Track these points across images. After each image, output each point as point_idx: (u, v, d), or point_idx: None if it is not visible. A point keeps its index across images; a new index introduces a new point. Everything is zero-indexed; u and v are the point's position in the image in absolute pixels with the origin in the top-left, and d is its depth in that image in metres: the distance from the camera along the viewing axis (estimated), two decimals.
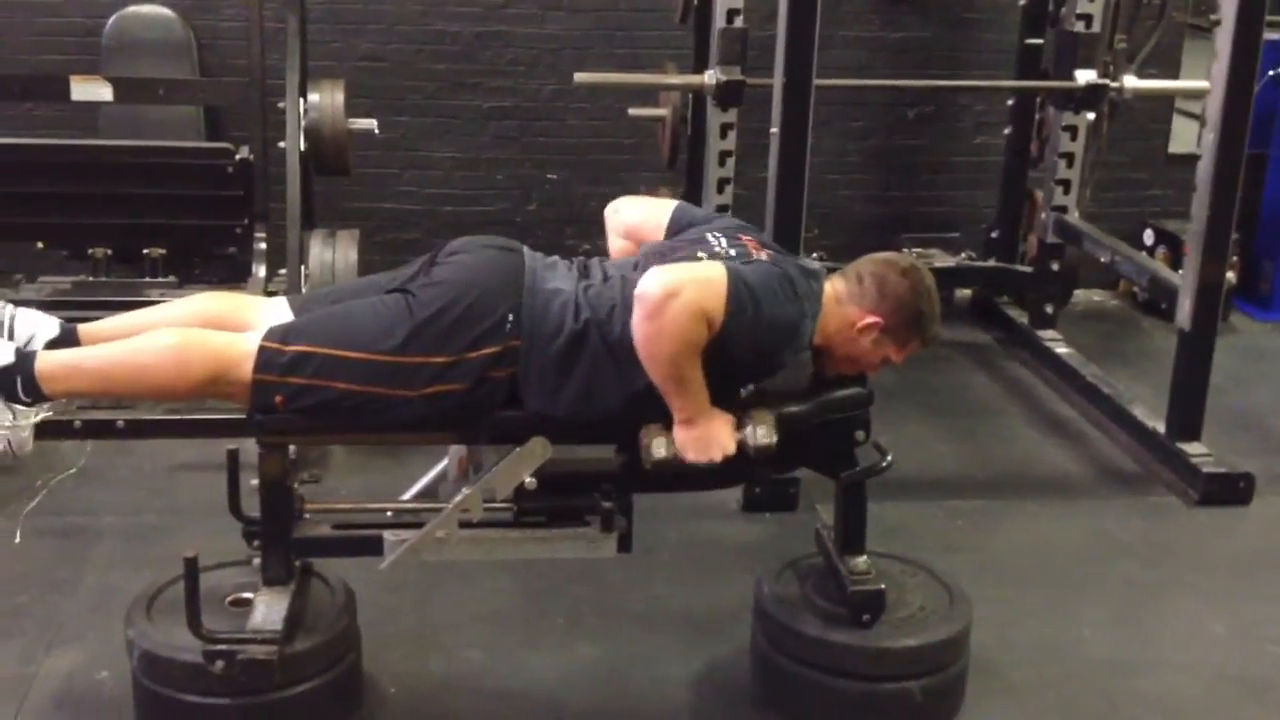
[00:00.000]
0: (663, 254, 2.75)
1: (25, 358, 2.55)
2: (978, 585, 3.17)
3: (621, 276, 2.72)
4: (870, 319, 2.74)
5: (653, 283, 2.50)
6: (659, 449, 2.64)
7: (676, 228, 2.90)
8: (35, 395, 2.56)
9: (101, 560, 3.55)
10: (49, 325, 2.69)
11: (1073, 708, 3.08)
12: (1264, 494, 4.10)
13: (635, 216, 3.00)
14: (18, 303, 2.74)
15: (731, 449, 2.64)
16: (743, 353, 2.61)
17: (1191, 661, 3.26)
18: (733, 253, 2.70)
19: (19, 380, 2.53)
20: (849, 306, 2.76)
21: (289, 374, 2.57)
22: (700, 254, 2.69)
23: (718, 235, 2.78)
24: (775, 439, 2.65)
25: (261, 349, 2.58)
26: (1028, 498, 4.14)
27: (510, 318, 2.60)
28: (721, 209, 4.65)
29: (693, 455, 2.63)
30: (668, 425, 2.65)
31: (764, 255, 2.71)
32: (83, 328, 2.73)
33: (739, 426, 2.66)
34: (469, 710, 3.00)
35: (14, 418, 2.57)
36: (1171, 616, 3.49)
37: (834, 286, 2.78)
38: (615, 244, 3.00)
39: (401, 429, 2.66)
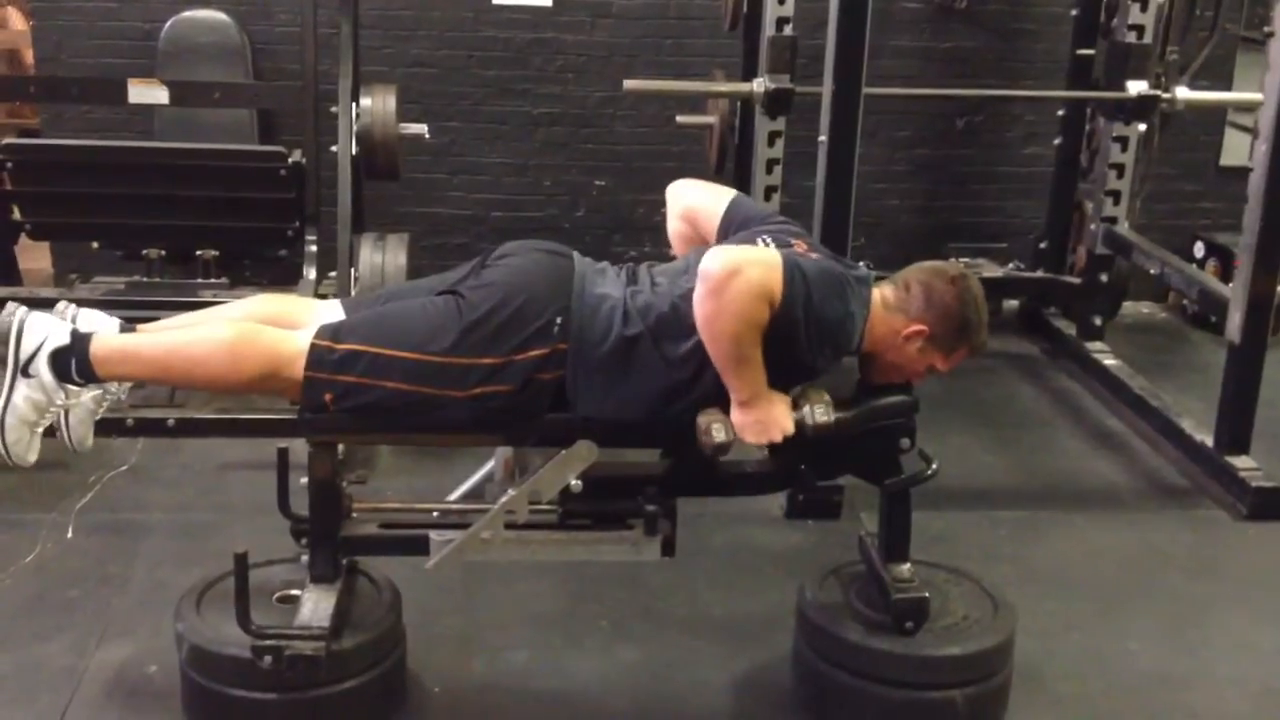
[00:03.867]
0: None
1: (81, 339, 2.58)
2: (1022, 596, 3.15)
3: (669, 283, 2.73)
4: (916, 327, 2.74)
5: (715, 261, 2.51)
6: (718, 434, 2.62)
7: (730, 223, 2.90)
8: (88, 377, 2.59)
9: (152, 556, 3.59)
10: (109, 325, 2.72)
11: None
12: None
13: (695, 200, 3.02)
14: (77, 303, 2.77)
15: (790, 429, 2.64)
16: (792, 343, 2.61)
17: (1238, 676, 3.23)
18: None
19: (74, 361, 2.57)
20: (896, 314, 2.75)
21: (339, 372, 2.60)
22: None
23: (767, 240, 2.79)
24: (833, 417, 2.65)
25: (313, 346, 2.60)
26: (1074, 509, 4.12)
27: (558, 321, 2.61)
28: None
29: (751, 437, 2.63)
30: (723, 410, 2.64)
31: (815, 257, 2.72)
32: (140, 328, 2.76)
33: (795, 407, 2.66)
34: (511, 711, 3.01)
35: (66, 397, 2.60)
36: (1218, 630, 3.46)
37: (881, 294, 2.78)
38: (674, 225, 3.04)
39: (449, 429, 2.68)
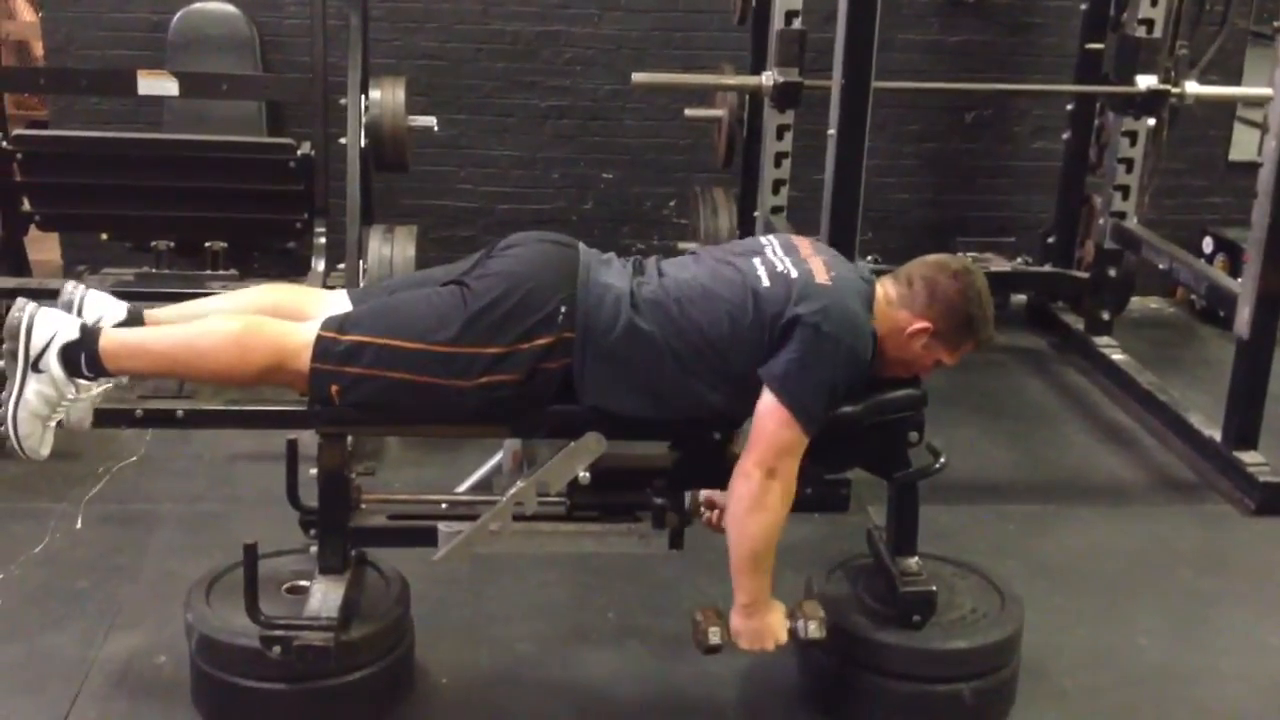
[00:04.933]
0: (718, 259, 2.78)
1: (90, 333, 2.60)
2: (1030, 590, 3.16)
3: (675, 277, 2.73)
4: (920, 324, 2.73)
5: (750, 468, 2.61)
6: (714, 636, 2.73)
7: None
8: (98, 371, 2.60)
9: (161, 546, 3.60)
10: (116, 308, 2.73)
11: (1125, 715, 3.07)
12: None
13: None
14: (85, 285, 2.78)
15: (783, 640, 2.75)
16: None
17: (1246, 670, 3.23)
18: (793, 272, 2.67)
19: (83, 355, 2.58)
20: (900, 311, 2.75)
21: (345, 363, 2.60)
22: (759, 268, 2.69)
23: (774, 242, 2.79)
24: (824, 634, 2.75)
25: (319, 338, 2.61)
26: (1081, 504, 4.12)
27: (563, 310, 2.61)
28: (776, 210, 4.67)
29: (745, 644, 2.74)
30: (718, 613, 2.75)
31: (824, 274, 2.67)
32: (149, 313, 2.77)
33: (790, 617, 2.76)
34: (519, 703, 3.02)
35: (76, 391, 2.61)
36: (1226, 625, 3.46)
37: (885, 290, 2.77)
38: None
39: (456, 420, 2.68)
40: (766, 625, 2.72)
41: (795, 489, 2.65)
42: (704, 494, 3.00)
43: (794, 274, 2.67)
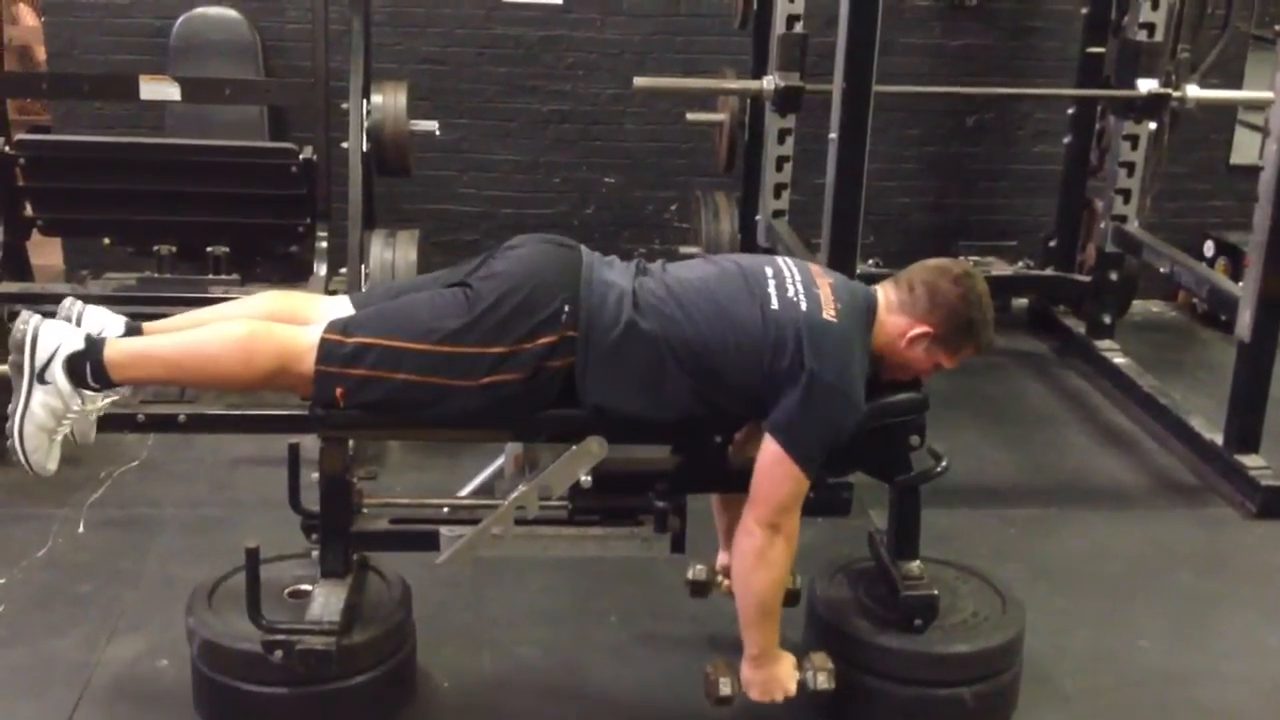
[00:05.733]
0: (727, 268, 2.77)
1: (95, 344, 2.60)
2: (1031, 593, 3.17)
3: (680, 277, 2.74)
4: (921, 329, 2.74)
5: (754, 523, 2.65)
6: (725, 688, 2.78)
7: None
8: (103, 381, 2.60)
9: (163, 551, 3.61)
10: (115, 323, 2.72)
11: (1126, 717, 3.07)
12: None
13: None
14: (84, 299, 2.78)
15: (793, 692, 2.78)
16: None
17: (1248, 673, 3.23)
18: (803, 303, 2.65)
19: (89, 366, 2.58)
20: (900, 315, 2.75)
21: (350, 365, 2.60)
22: (770, 285, 2.69)
23: (788, 262, 2.79)
24: (833, 685, 2.77)
25: (323, 341, 2.61)
26: (1083, 507, 4.12)
27: (566, 309, 2.62)
28: (778, 214, 4.68)
29: (756, 695, 2.78)
30: (729, 664, 2.79)
31: (832, 309, 2.67)
32: (148, 326, 2.77)
33: (799, 668, 2.79)
34: (521, 706, 3.02)
35: (82, 402, 2.62)
36: (1228, 628, 3.46)
37: (885, 294, 2.78)
38: None
39: (460, 421, 2.68)
40: (775, 676, 2.77)
41: (797, 542, 2.70)
42: (721, 562, 3.12)
43: (803, 304, 2.66)
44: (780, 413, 2.62)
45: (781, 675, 2.77)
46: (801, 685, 2.78)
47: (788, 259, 2.84)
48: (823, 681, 2.77)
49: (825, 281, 2.74)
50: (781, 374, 2.60)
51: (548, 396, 2.66)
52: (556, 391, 2.65)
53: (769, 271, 2.73)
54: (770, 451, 2.63)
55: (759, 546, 2.65)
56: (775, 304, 2.65)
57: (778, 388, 2.61)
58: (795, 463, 2.61)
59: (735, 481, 2.78)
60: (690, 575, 3.14)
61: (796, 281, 2.71)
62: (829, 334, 2.63)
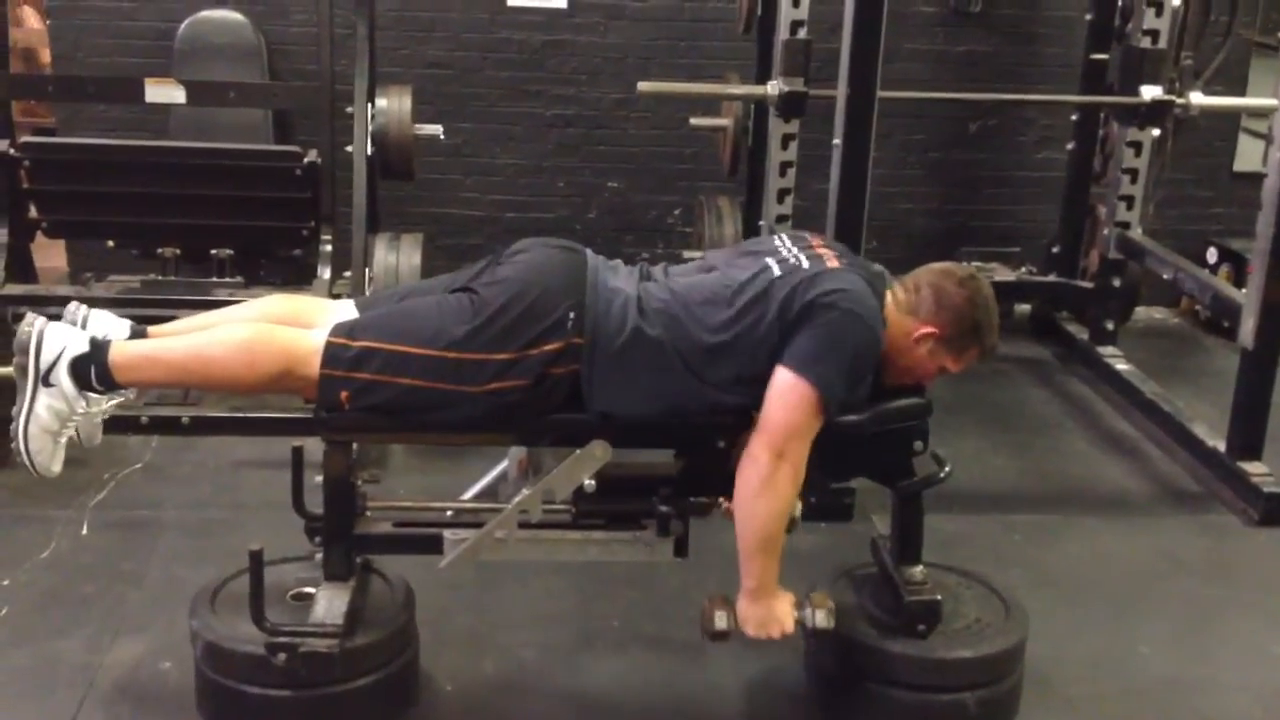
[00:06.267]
0: (728, 260, 2.80)
1: (100, 347, 2.60)
2: (1034, 599, 3.16)
3: (684, 282, 2.74)
4: (927, 329, 2.74)
5: (760, 448, 2.60)
6: (720, 621, 2.74)
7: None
8: (108, 384, 2.61)
9: (166, 553, 3.61)
10: (120, 327, 2.73)
11: None
12: None
13: None
14: (89, 302, 2.79)
15: (790, 630, 2.74)
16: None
17: (1250, 681, 3.23)
18: (805, 262, 2.70)
19: (94, 368, 2.59)
20: (906, 317, 2.76)
21: (355, 369, 2.61)
22: (769, 261, 2.71)
23: (784, 238, 2.81)
24: (833, 623, 2.75)
25: (328, 344, 2.62)
26: (1085, 513, 4.12)
27: (572, 315, 2.62)
28: (781, 220, 4.66)
29: (752, 630, 2.74)
30: (725, 599, 2.75)
31: (836, 262, 2.71)
32: (152, 330, 2.77)
33: (798, 606, 2.75)
34: (523, 710, 3.02)
35: (87, 405, 2.62)
36: (1230, 635, 3.46)
37: (893, 295, 2.79)
38: None
39: (465, 426, 2.68)
40: (773, 612, 2.72)
41: (804, 474, 2.64)
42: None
43: (805, 264, 2.69)
44: (793, 346, 2.61)
45: (779, 612, 2.73)
46: (800, 624, 2.74)
47: (784, 237, 2.85)
48: (822, 619, 2.73)
49: (829, 250, 2.77)
50: (791, 325, 2.61)
51: (553, 403, 2.66)
52: (562, 398, 2.66)
53: (769, 260, 2.74)
54: (782, 377, 2.61)
55: (764, 473, 2.60)
56: (778, 272, 2.68)
57: (791, 340, 2.61)
58: (811, 385, 2.58)
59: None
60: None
61: (796, 251, 2.75)
62: (836, 275, 2.66)
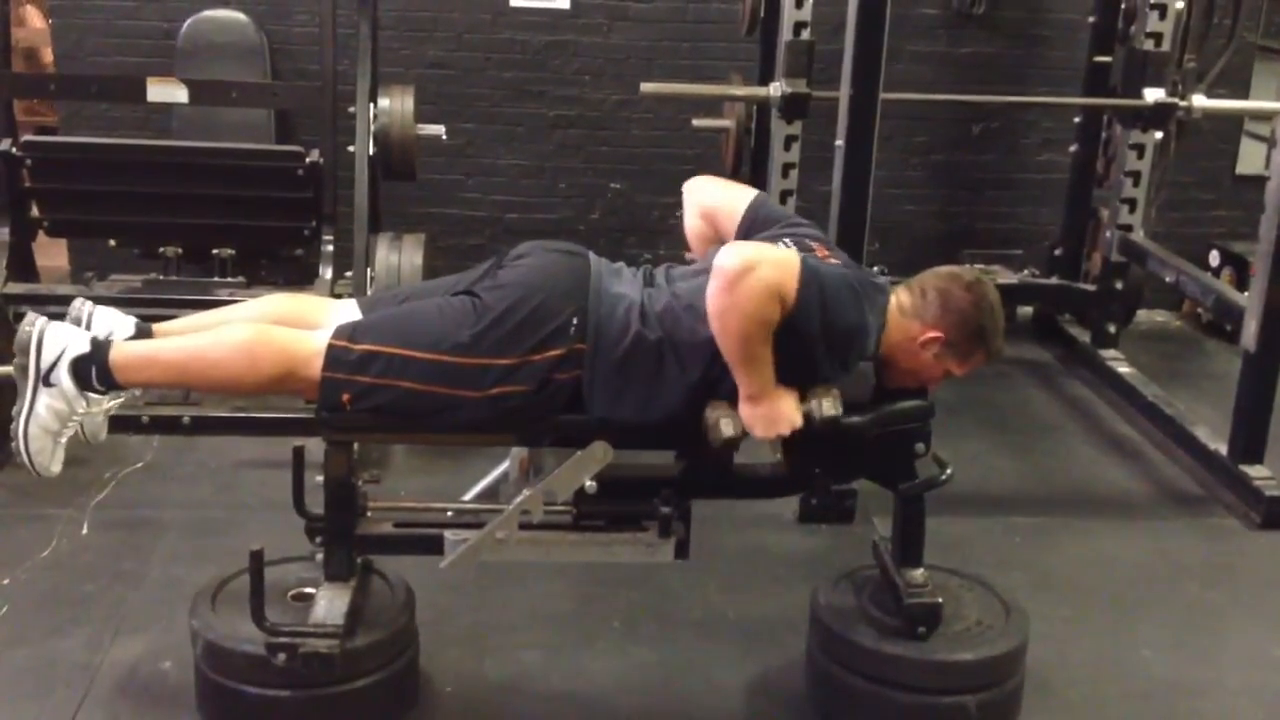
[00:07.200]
0: None
1: (101, 347, 2.60)
2: (1035, 602, 3.16)
3: (685, 286, 2.74)
4: (932, 333, 2.74)
5: (729, 257, 2.50)
6: (727, 428, 2.61)
7: (751, 222, 2.90)
8: (109, 384, 2.61)
9: (167, 552, 3.61)
10: (125, 324, 2.73)
11: None
12: None
13: (714, 198, 3.01)
14: (93, 301, 2.79)
15: (799, 423, 2.63)
16: (803, 347, 2.60)
17: (1251, 684, 3.23)
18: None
19: (94, 369, 2.58)
20: (912, 320, 2.76)
21: (356, 372, 2.61)
22: None
23: (788, 243, 2.80)
24: (840, 410, 2.63)
25: (330, 347, 2.61)
26: (1087, 516, 4.12)
27: (575, 321, 2.62)
28: None
29: (760, 431, 2.63)
30: (731, 404, 2.64)
31: (835, 262, 2.72)
32: (157, 327, 2.77)
33: (803, 400, 2.65)
34: (523, 711, 3.02)
35: (87, 405, 2.62)
36: (1232, 639, 3.46)
37: (898, 299, 2.78)
38: (691, 223, 3.03)
39: (466, 429, 2.68)
40: (778, 410, 2.62)
41: (774, 302, 2.52)
42: None
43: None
44: None
45: (784, 408, 2.62)
46: (807, 417, 2.64)
47: (788, 241, 2.82)
48: (828, 408, 2.62)
49: (835, 260, 2.75)
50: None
51: (554, 407, 2.66)
52: (564, 403, 2.65)
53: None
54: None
55: (725, 283, 2.49)
56: None
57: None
58: (799, 258, 2.57)
59: (740, 489, 2.78)
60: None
61: (791, 247, 2.73)
62: (833, 269, 2.66)
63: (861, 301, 2.65)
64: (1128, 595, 3.64)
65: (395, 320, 2.69)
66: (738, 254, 2.52)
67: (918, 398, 2.82)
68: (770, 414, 2.62)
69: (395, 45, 5.55)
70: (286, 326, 2.71)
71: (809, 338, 2.60)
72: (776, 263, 2.54)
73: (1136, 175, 5.12)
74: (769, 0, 4.97)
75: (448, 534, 2.83)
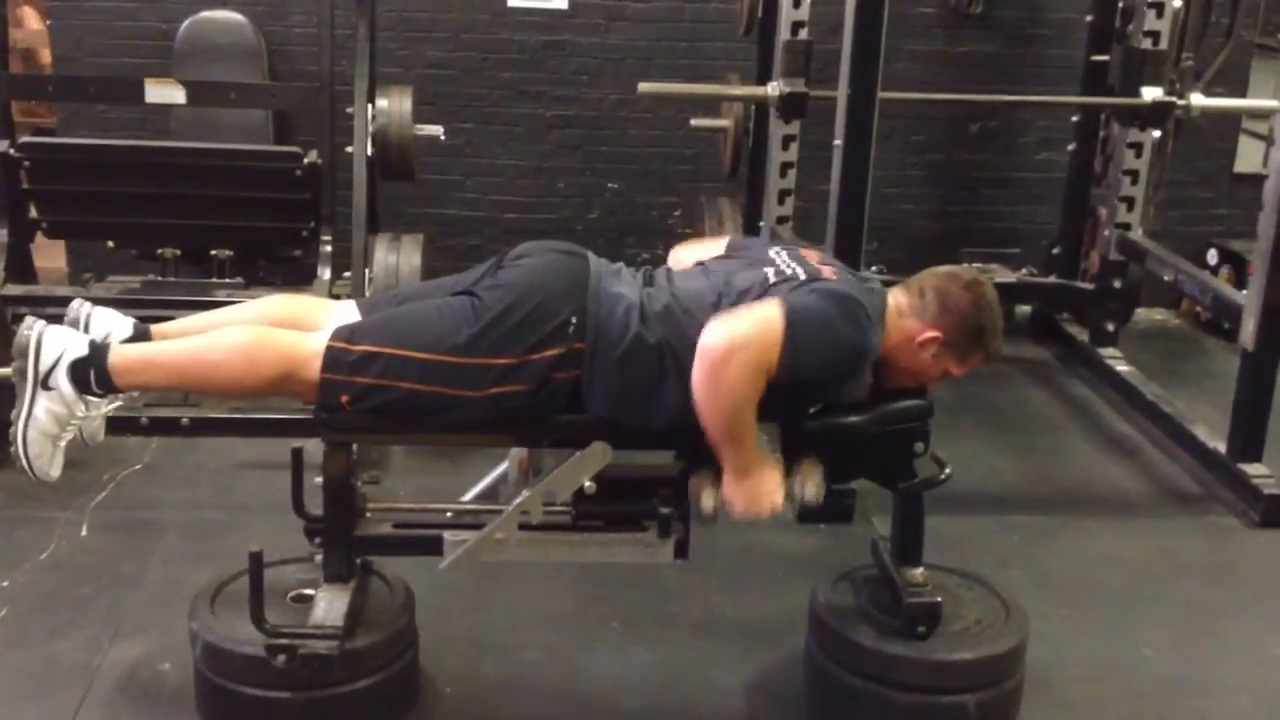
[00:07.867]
0: (729, 270, 2.77)
1: (99, 350, 2.60)
2: (1034, 601, 3.16)
3: (685, 288, 2.74)
4: (931, 333, 2.74)
5: (715, 336, 2.51)
6: (707, 501, 2.68)
7: (732, 245, 2.95)
8: (107, 387, 2.60)
9: (166, 554, 3.61)
10: (123, 325, 2.73)
11: None
12: None
13: (697, 250, 3.04)
14: (91, 301, 2.79)
15: (779, 505, 2.67)
16: (809, 378, 2.62)
17: (1251, 682, 3.23)
18: (800, 273, 2.69)
19: (93, 372, 2.58)
20: (910, 320, 2.75)
21: (355, 373, 2.61)
22: (767, 270, 2.71)
23: (780, 251, 2.80)
24: (823, 494, 2.69)
25: (329, 348, 2.61)
26: (1086, 515, 4.12)
27: (574, 320, 2.62)
28: (782, 220, 4.67)
29: (740, 508, 2.66)
30: (715, 476, 2.67)
31: (830, 273, 2.72)
32: (156, 328, 2.77)
33: (787, 475, 2.70)
34: (523, 711, 3.02)
35: (86, 409, 2.62)
36: (1231, 637, 3.46)
37: (895, 299, 2.78)
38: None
39: (465, 429, 2.68)
40: (760, 489, 2.64)
41: (759, 378, 2.51)
42: None
43: (801, 274, 2.69)
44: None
45: (765, 487, 2.64)
46: (788, 499, 2.67)
47: (782, 251, 2.84)
48: (810, 491, 2.66)
49: (828, 269, 2.75)
50: None
51: (554, 407, 2.66)
52: (563, 402, 2.65)
53: (768, 271, 2.72)
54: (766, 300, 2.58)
55: (710, 367, 2.49)
56: (774, 279, 2.67)
57: None
58: (784, 314, 2.52)
59: None
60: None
61: (794, 265, 2.74)
62: (832, 284, 2.66)
63: (858, 319, 2.62)
64: (1127, 594, 3.64)
65: (394, 321, 2.69)
66: (724, 334, 2.51)
67: (916, 397, 2.82)
68: (752, 493, 2.65)
69: (393, 46, 5.55)
70: (285, 328, 2.71)
71: (805, 381, 2.62)
72: (760, 335, 2.52)
73: (1134, 174, 5.12)
74: (767, 0, 4.98)
75: (447, 535, 2.83)
